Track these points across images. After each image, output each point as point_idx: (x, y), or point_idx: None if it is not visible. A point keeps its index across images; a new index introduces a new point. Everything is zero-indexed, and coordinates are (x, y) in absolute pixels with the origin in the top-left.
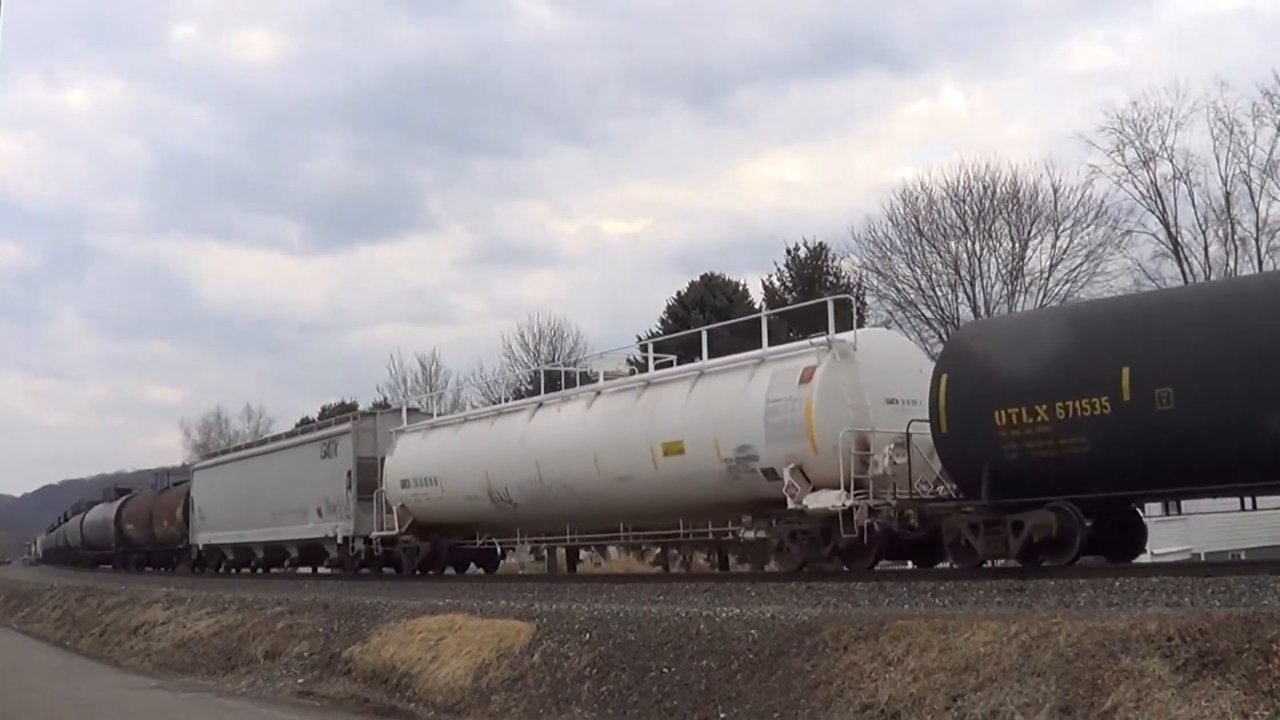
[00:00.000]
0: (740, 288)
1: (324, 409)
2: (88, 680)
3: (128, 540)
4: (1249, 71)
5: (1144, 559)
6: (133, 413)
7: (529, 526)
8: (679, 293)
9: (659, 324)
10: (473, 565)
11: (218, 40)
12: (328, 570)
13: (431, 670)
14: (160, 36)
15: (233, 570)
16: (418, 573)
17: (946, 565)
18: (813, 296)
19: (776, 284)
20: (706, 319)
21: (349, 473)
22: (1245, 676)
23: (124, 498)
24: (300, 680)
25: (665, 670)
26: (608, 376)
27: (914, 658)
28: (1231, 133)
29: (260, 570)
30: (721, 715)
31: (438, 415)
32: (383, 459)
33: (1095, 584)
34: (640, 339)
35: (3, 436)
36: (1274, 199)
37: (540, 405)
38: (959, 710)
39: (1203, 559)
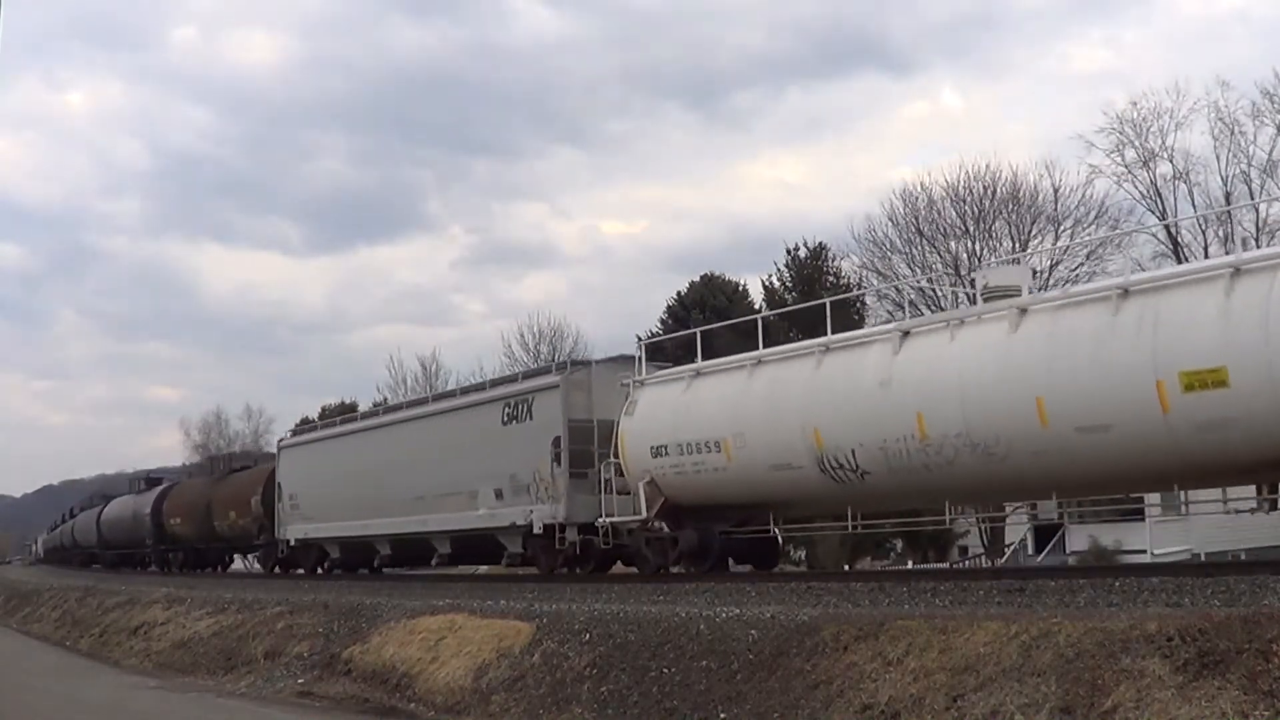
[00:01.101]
0: (740, 288)
1: (324, 409)
2: (88, 680)
3: (170, 536)
4: (1245, 73)
5: (1144, 559)
6: (133, 413)
7: (873, 504)
8: (679, 293)
9: (659, 324)
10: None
11: (217, 42)
12: (504, 569)
13: (431, 670)
14: (160, 38)
15: (333, 571)
16: (669, 570)
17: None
18: (813, 297)
19: (776, 284)
20: (706, 319)
21: (556, 440)
22: (1245, 676)
23: (163, 487)
24: (300, 680)
25: (665, 670)
26: (995, 291)
27: (914, 658)
28: (1232, 133)
29: (374, 570)
30: (721, 715)
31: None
32: (605, 422)
33: (1095, 584)
34: (640, 339)
35: (3, 436)
36: (1274, 199)
37: (908, 334)
38: (959, 710)
39: (1203, 559)
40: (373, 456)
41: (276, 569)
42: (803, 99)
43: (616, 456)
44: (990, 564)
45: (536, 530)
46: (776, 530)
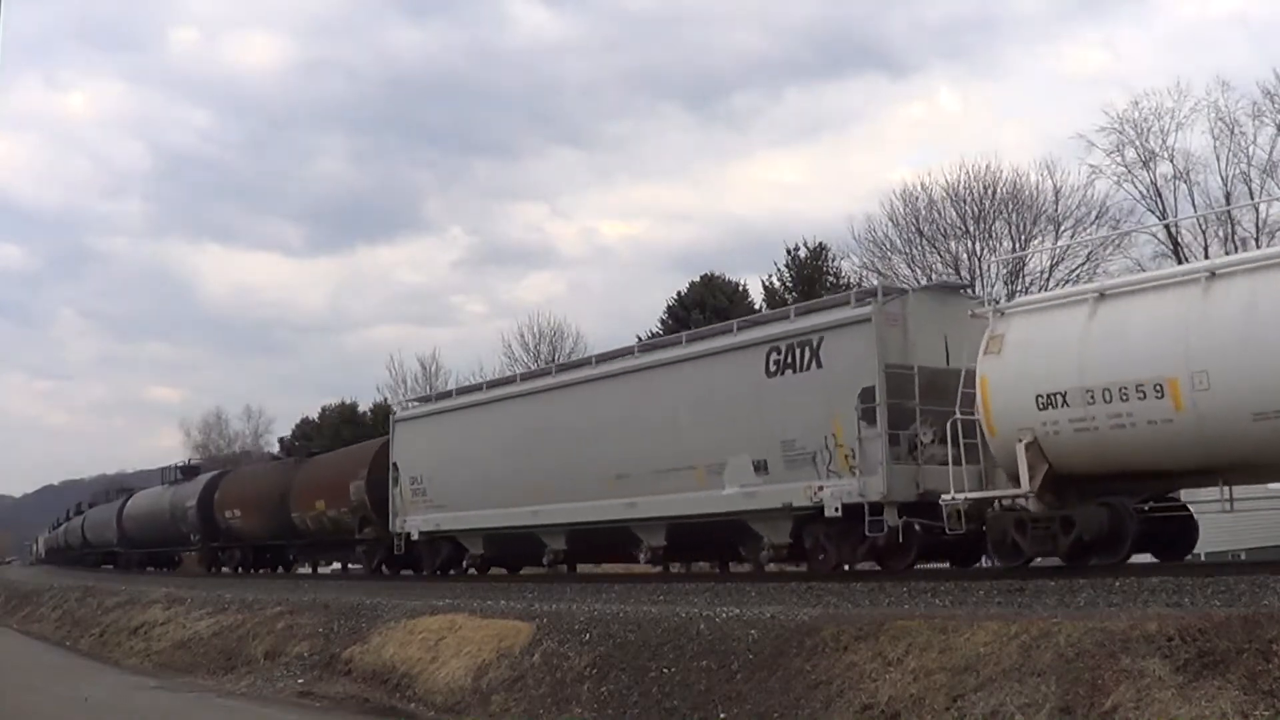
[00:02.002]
0: (740, 288)
1: (324, 409)
2: (88, 680)
3: (226, 532)
4: (1244, 74)
5: (1144, 559)
6: (133, 413)
7: None
8: (679, 293)
9: (659, 324)
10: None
11: (218, 43)
12: (772, 567)
13: (431, 670)
14: (160, 40)
15: (469, 570)
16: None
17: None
18: (813, 297)
19: (776, 284)
20: (707, 319)
21: (866, 393)
22: (1245, 676)
23: (212, 474)
24: (300, 680)
25: (665, 670)
26: None
27: (914, 658)
28: (1232, 133)
29: (548, 567)
30: (721, 715)
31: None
32: (925, 369)
33: (1095, 584)
34: (640, 339)
35: (3, 436)
36: (1275, 199)
37: None
38: (959, 710)
39: (1203, 559)
40: (545, 426)
41: (384, 568)
42: (801, 100)
43: (967, 411)
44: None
45: (831, 513)
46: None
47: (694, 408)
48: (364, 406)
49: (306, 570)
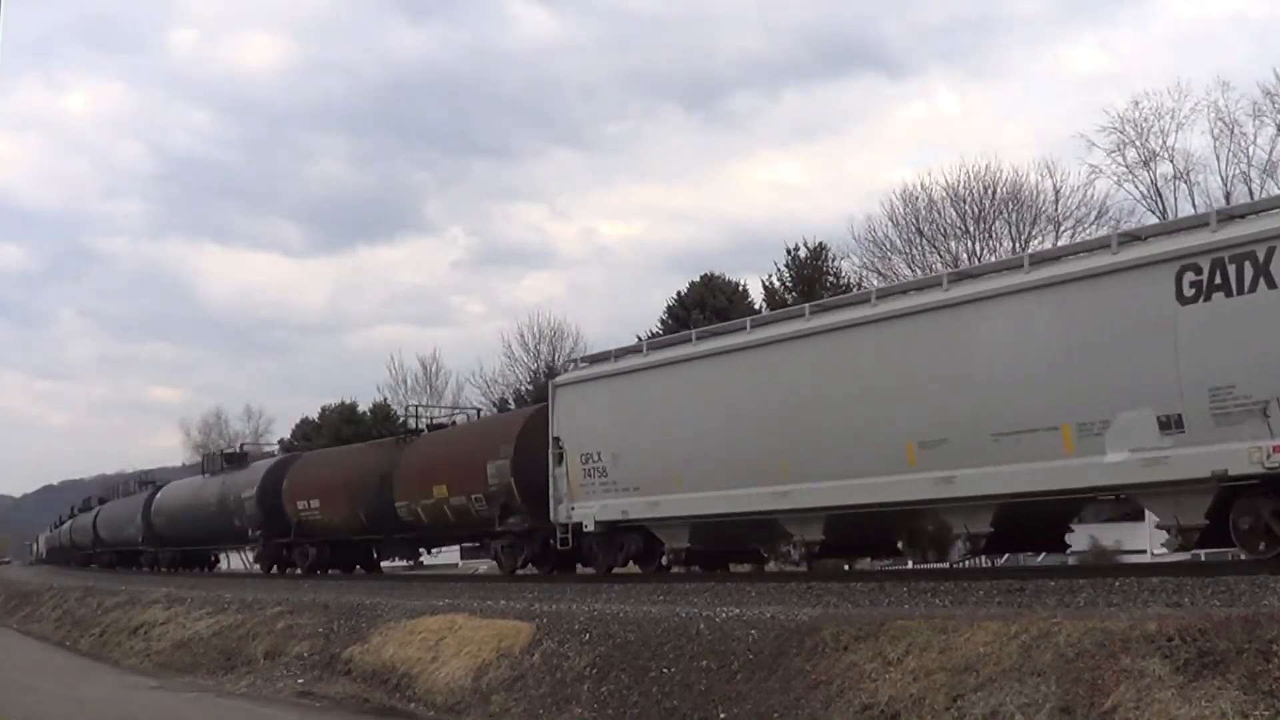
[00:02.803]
0: (740, 288)
1: (324, 409)
2: (88, 680)
3: (299, 527)
4: (1243, 75)
5: (1144, 559)
6: (133, 413)
7: None
8: (679, 293)
9: (659, 324)
10: None
11: (217, 44)
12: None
13: (431, 670)
14: (160, 41)
15: (670, 568)
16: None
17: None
18: (813, 297)
19: (776, 284)
20: (707, 319)
21: None
22: (1245, 676)
23: (277, 459)
24: (300, 680)
25: (665, 670)
26: None
27: (914, 658)
28: (1232, 133)
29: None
30: (721, 715)
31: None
32: None
33: (1095, 584)
34: (640, 339)
35: (3, 436)
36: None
37: None
38: (959, 710)
39: (1203, 559)
40: (795, 383)
41: (528, 567)
42: (800, 101)
43: None
44: (990, 564)
45: None
46: None
47: (1056, 350)
48: (364, 406)
49: (397, 565)
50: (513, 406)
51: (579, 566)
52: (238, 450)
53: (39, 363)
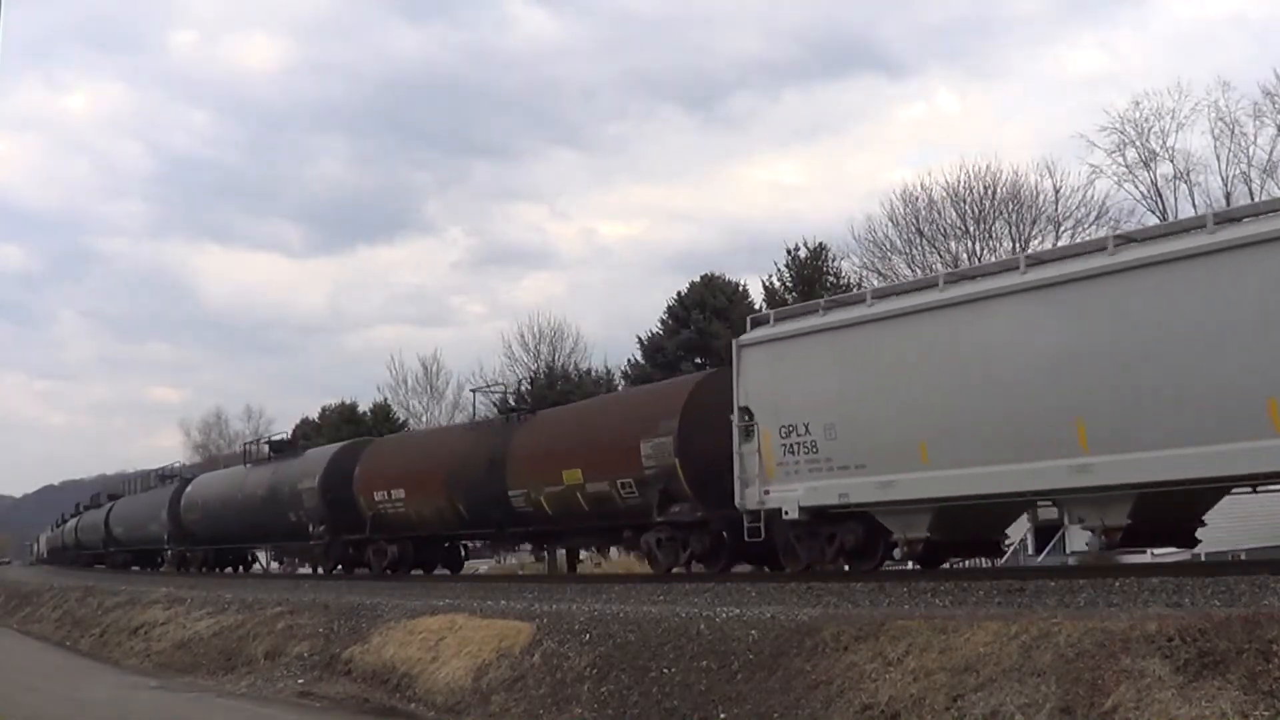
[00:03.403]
0: (740, 288)
1: (324, 409)
2: (88, 680)
3: (379, 520)
4: (1242, 76)
5: (1144, 559)
6: (133, 413)
7: None
8: (679, 293)
9: (659, 324)
10: None
11: (217, 45)
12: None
13: (431, 670)
14: (160, 42)
15: (906, 561)
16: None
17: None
18: (813, 297)
19: (776, 284)
20: (707, 319)
21: None
22: (1245, 676)
23: (348, 444)
24: (300, 680)
25: (665, 671)
26: None
27: (914, 658)
28: (1232, 133)
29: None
30: (721, 715)
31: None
32: None
33: (1095, 584)
34: (641, 339)
35: (3, 436)
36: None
37: None
38: (959, 710)
39: (1203, 559)
40: (1103, 330)
41: (691, 564)
42: (799, 102)
43: None
44: (990, 564)
45: None
46: None
47: None
48: (364, 406)
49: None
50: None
51: (746, 564)
52: (288, 437)
53: (39, 363)
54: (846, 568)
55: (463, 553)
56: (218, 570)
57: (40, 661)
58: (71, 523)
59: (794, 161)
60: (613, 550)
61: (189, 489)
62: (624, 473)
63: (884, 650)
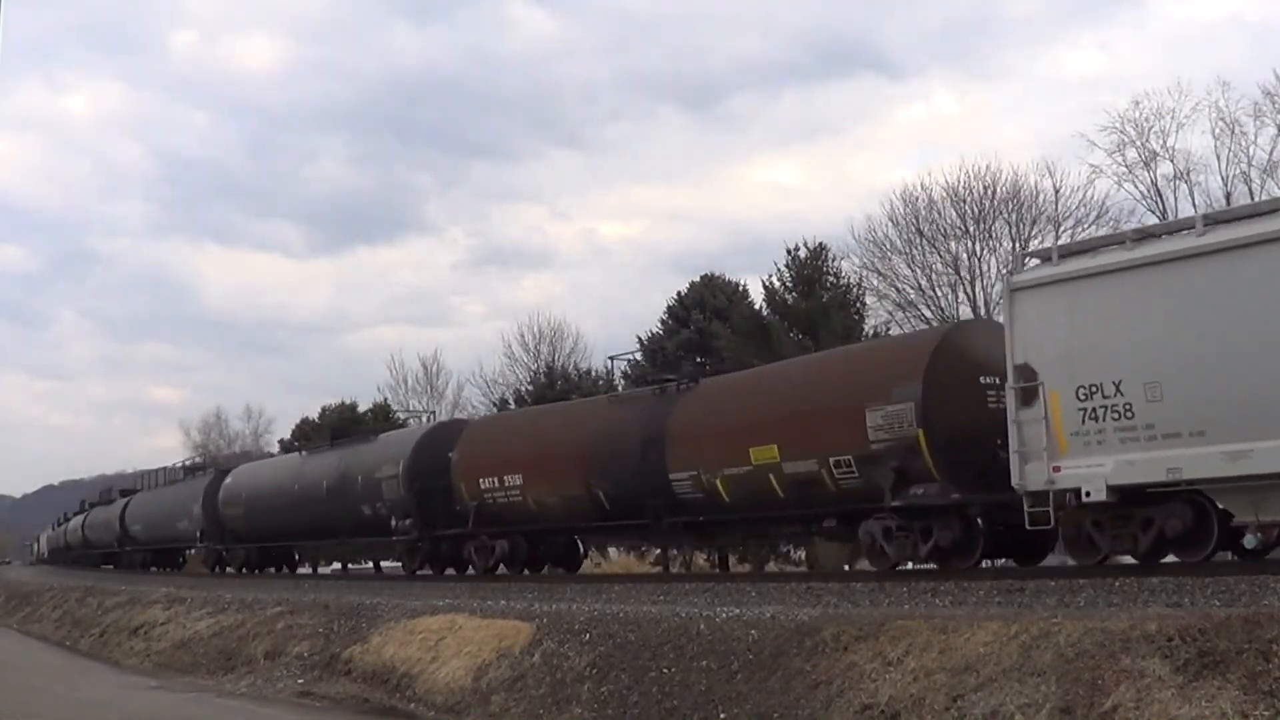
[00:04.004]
0: (740, 288)
1: (324, 409)
2: (88, 680)
3: (485, 512)
4: (1240, 77)
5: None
6: (133, 413)
7: None
8: (679, 293)
9: (659, 324)
10: None
11: (217, 47)
12: None
13: (431, 670)
14: (160, 43)
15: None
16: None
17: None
18: (813, 297)
19: (776, 284)
20: (707, 319)
21: None
22: (1245, 676)
23: (437, 425)
24: (300, 680)
25: (665, 670)
26: None
27: (914, 658)
28: (1233, 133)
29: None
30: (721, 715)
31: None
32: None
33: (1095, 584)
34: (641, 340)
35: (3, 436)
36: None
37: None
38: (959, 710)
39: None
40: None
41: (928, 552)
42: (798, 102)
43: None
44: (990, 564)
45: None
46: None
47: None
48: (364, 406)
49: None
50: (512, 406)
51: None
52: (339, 430)
53: (39, 363)
54: (1173, 558)
55: (582, 549)
56: (258, 571)
57: (40, 661)
58: (76, 521)
59: (793, 162)
60: (611, 550)
61: (229, 480)
62: (839, 449)
63: (884, 650)
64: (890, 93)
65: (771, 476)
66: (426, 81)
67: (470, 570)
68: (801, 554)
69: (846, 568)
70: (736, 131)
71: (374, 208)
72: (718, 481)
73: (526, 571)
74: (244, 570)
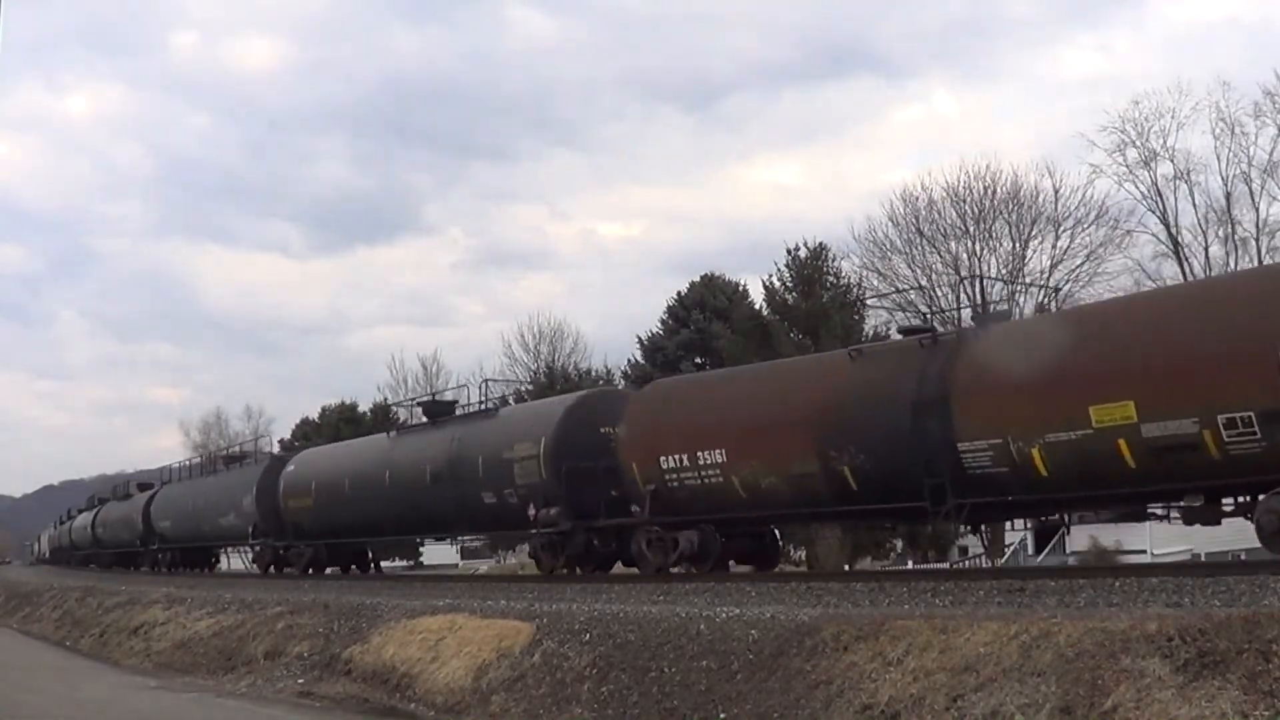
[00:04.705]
0: (740, 288)
1: (324, 409)
2: (88, 680)
3: (663, 499)
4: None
5: (1144, 559)
6: (133, 413)
7: None
8: (679, 293)
9: (659, 324)
10: None
11: (217, 47)
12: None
13: (431, 670)
14: (160, 44)
15: None
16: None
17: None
18: (813, 297)
19: (777, 284)
20: (707, 319)
21: None
22: (1245, 677)
23: (587, 395)
24: (300, 680)
25: (665, 670)
26: None
27: (914, 658)
28: (1233, 133)
29: None
30: (721, 715)
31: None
32: None
33: (1095, 584)
34: (641, 340)
35: (3, 436)
36: (1275, 199)
37: None
38: (959, 710)
39: (1203, 559)
40: None
41: None
42: (797, 103)
43: None
44: (990, 564)
45: None
46: None
47: None
48: (364, 406)
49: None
50: (512, 404)
51: None
52: (447, 405)
53: (39, 363)
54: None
55: (781, 543)
56: (326, 571)
57: (40, 661)
58: (84, 519)
59: (793, 163)
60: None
61: (290, 468)
62: (1236, 403)
63: (884, 650)
64: (889, 93)
65: (1122, 442)
66: (426, 82)
67: (638, 569)
68: (802, 554)
69: (846, 568)
70: (736, 132)
71: (374, 208)
72: (1034, 452)
73: (732, 565)
74: (309, 570)
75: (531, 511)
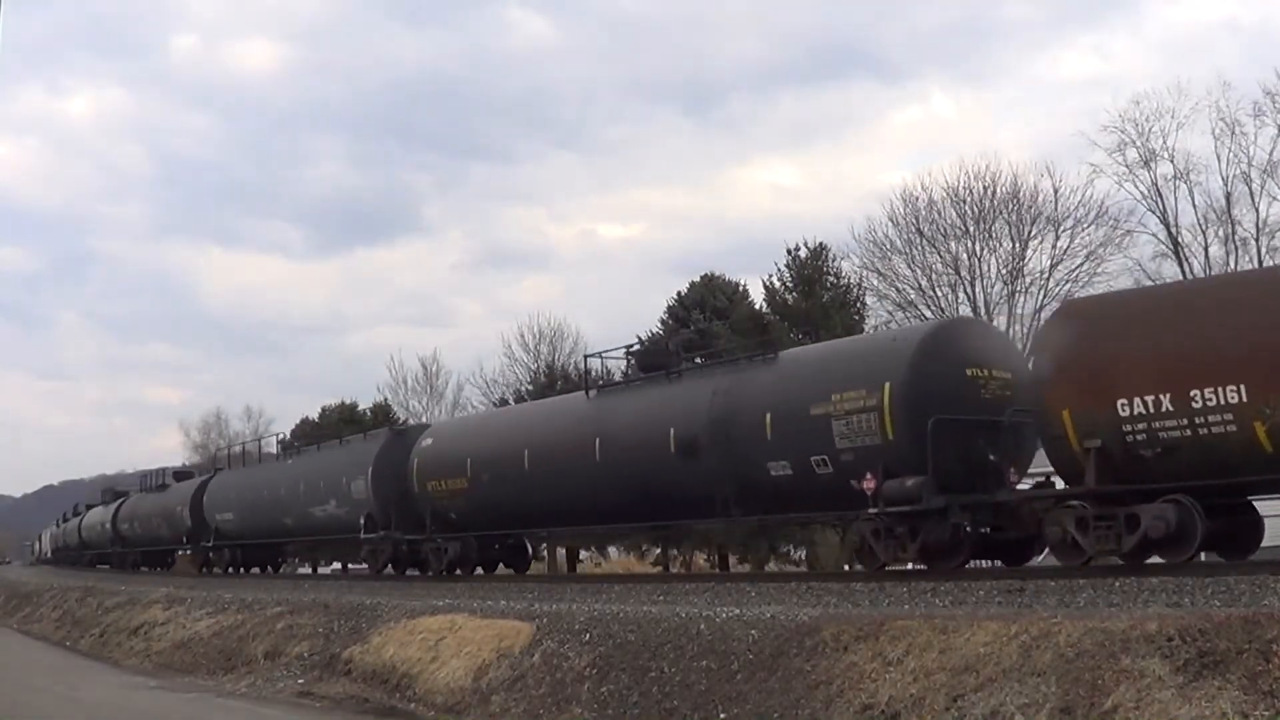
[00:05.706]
0: (740, 288)
1: (324, 409)
2: (88, 680)
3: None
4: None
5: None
6: (133, 413)
7: None
8: (679, 293)
9: (659, 324)
10: None
11: (218, 50)
12: None
13: (431, 670)
14: (161, 46)
15: None
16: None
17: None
18: (813, 297)
19: (777, 284)
20: (707, 319)
21: None
22: (1245, 676)
23: (816, 346)
24: (300, 680)
25: (665, 670)
26: None
27: (914, 658)
28: (1233, 133)
29: None
30: (721, 715)
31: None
32: None
33: (1095, 584)
34: (641, 340)
35: (3, 436)
36: (1274, 199)
37: None
38: (959, 710)
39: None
40: None
41: None
42: (796, 105)
43: None
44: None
45: None
46: None
47: None
48: (364, 406)
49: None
50: (512, 404)
51: None
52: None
53: (40, 364)
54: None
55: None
56: (471, 572)
57: (40, 661)
58: (96, 514)
59: (791, 164)
60: (611, 550)
61: (427, 441)
62: None
63: (884, 650)
64: (887, 96)
65: None
66: (426, 84)
67: (1057, 559)
68: (802, 554)
69: (846, 568)
70: (735, 134)
71: (374, 209)
72: None
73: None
74: (455, 570)
75: (869, 483)
